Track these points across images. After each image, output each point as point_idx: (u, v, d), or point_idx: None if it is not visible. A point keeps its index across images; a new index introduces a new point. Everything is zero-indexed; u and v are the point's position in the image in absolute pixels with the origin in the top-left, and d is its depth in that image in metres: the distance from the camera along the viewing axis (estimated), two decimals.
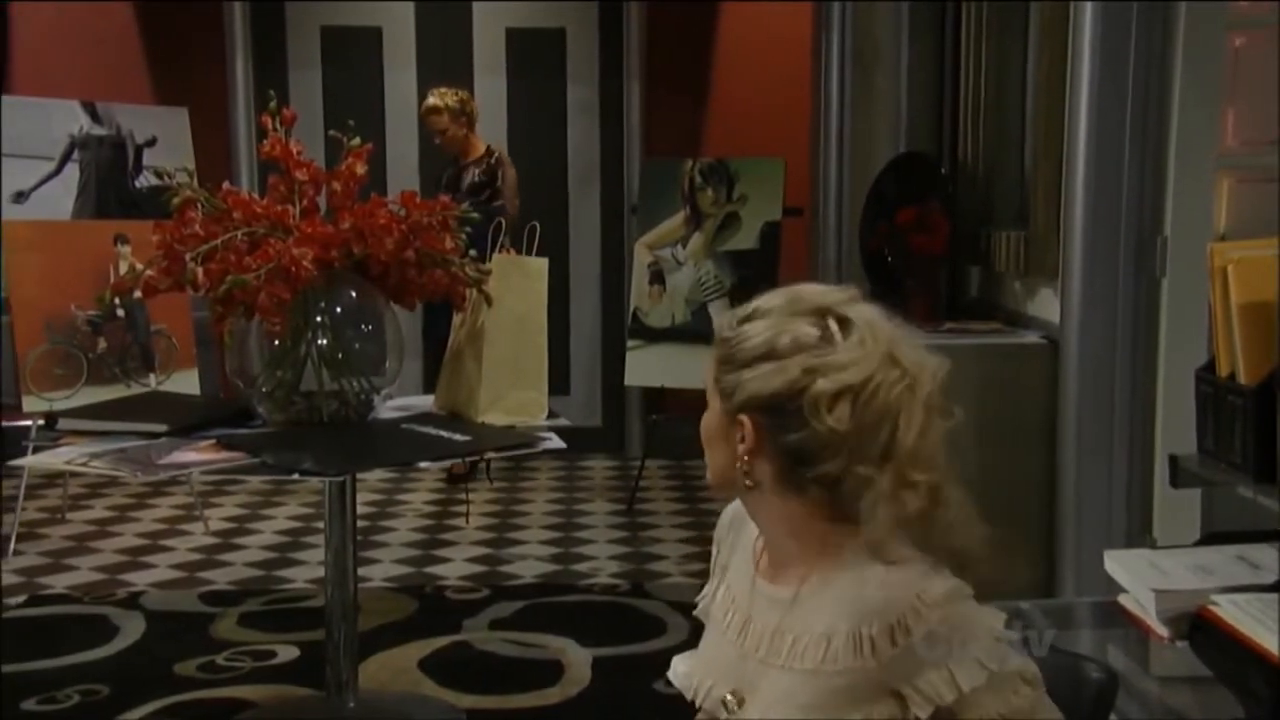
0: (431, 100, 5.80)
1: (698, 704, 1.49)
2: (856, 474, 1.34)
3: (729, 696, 1.43)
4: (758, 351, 1.37)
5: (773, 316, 1.39)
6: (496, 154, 5.83)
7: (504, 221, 5.46)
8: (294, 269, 2.80)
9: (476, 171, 5.78)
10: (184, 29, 6.37)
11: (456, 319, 3.30)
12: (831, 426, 1.32)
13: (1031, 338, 3.59)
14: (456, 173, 5.84)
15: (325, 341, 2.99)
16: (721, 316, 1.45)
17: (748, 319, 1.41)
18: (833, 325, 1.36)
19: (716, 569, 1.56)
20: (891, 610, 1.30)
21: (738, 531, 1.53)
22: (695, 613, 1.58)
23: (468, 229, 3.12)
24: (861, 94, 4.91)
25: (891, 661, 1.30)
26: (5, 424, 4.98)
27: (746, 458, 1.38)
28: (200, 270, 2.83)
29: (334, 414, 2.99)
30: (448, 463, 5.78)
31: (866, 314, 1.38)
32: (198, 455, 2.83)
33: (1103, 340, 3.16)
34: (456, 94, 5.81)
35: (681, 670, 1.54)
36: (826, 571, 1.37)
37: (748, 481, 1.40)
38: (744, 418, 1.38)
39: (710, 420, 1.44)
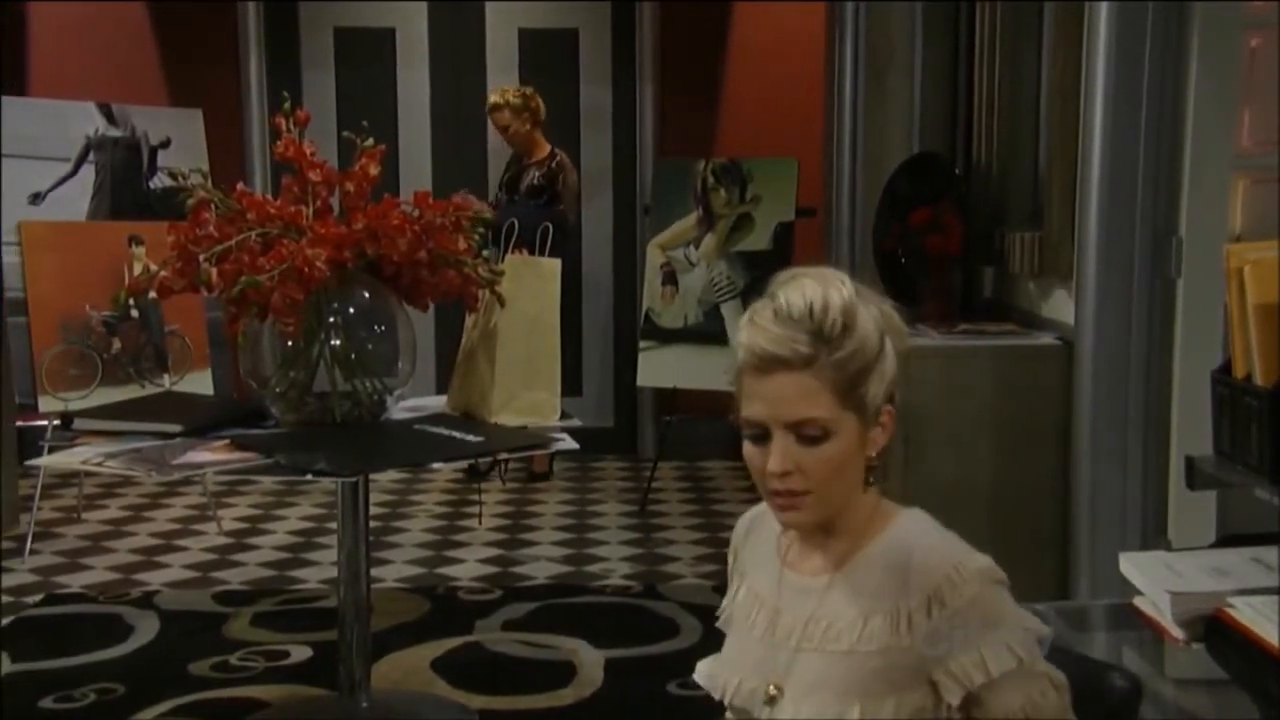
0: (493, 98, 5.80)
1: (726, 701, 1.49)
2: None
3: (771, 689, 1.42)
4: (876, 342, 1.38)
5: (860, 314, 1.37)
6: (559, 158, 5.81)
7: (550, 225, 5.50)
8: (307, 269, 2.80)
9: (537, 174, 5.77)
10: (198, 31, 6.39)
11: (469, 320, 3.30)
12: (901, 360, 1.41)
13: (1046, 339, 3.57)
14: (517, 173, 5.84)
15: (338, 342, 2.99)
16: (803, 345, 1.35)
17: (850, 327, 1.36)
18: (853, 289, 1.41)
19: (734, 575, 1.57)
20: (929, 582, 1.34)
21: (755, 534, 1.54)
22: (718, 624, 1.58)
23: (480, 230, 3.12)
24: (875, 94, 4.89)
25: (928, 636, 1.33)
26: (22, 424, 5.01)
27: (882, 447, 1.41)
28: (214, 271, 2.84)
29: (347, 415, 2.99)
30: (462, 463, 5.80)
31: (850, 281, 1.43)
32: (211, 455, 2.84)
33: (1117, 341, 3.14)
34: (520, 90, 5.80)
35: (705, 672, 1.55)
36: (867, 550, 1.41)
37: (871, 479, 1.41)
38: (888, 406, 1.40)
39: (842, 446, 1.37)
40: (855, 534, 1.42)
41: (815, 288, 1.37)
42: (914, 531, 1.40)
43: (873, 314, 1.39)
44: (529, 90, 5.83)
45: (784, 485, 1.37)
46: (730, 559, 1.59)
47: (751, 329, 1.37)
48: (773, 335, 1.35)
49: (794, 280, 1.38)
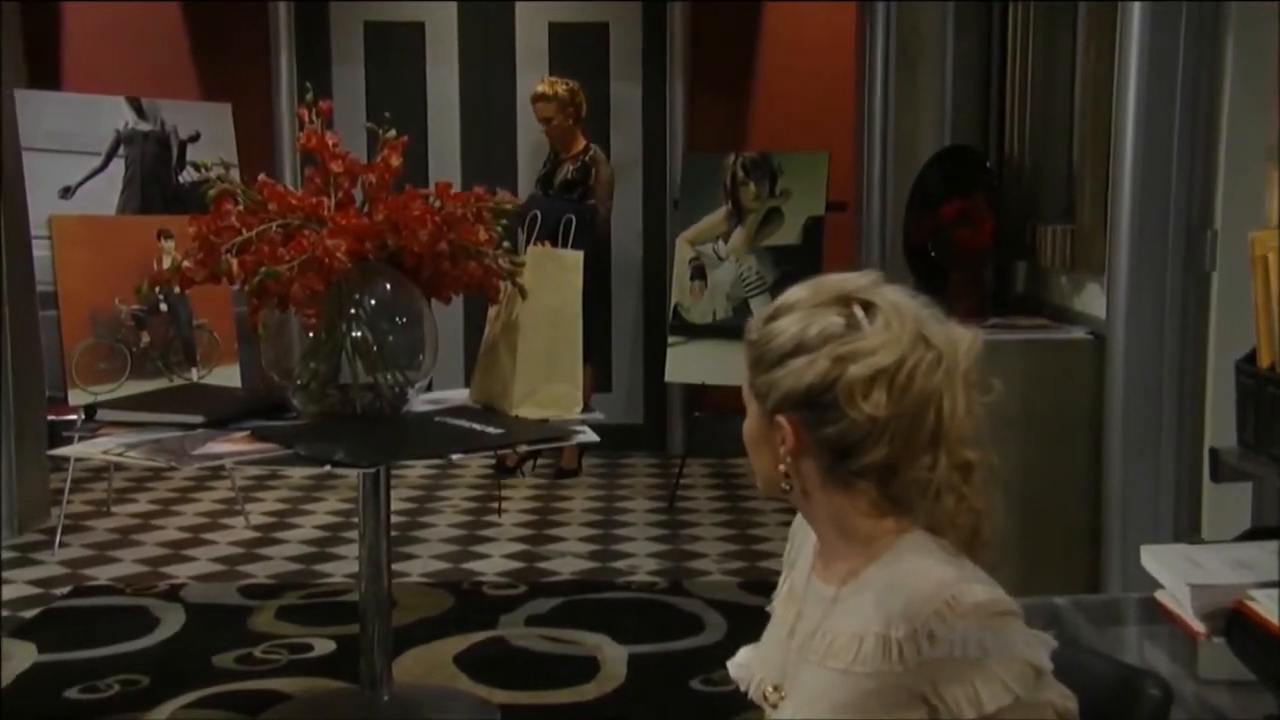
0: (541, 87, 5.76)
1: (749, 694, 1.49)
2: (912, 462, 1.33)
3: (770, 689, 1.43)
4: (786, 348, 1.36)
5: (797, 311, 1.37)
6: (592, 152, 5.79)
7: (572, 218, 5.46)
8: (327, 260, 2.80)
9: (570, 169, 5.75)
10: (229, 26, 6.41)
11: (491, 312, 3.29)
12: (869, 414, 1.31)
13: (1078, 333, 3.53)
14: (551, 168, 5.82)
15: (359, 334, 2.98)
16: (749, 319, 1.43)
17: (773, 317, 1.39)
18: (858, 311, 1.35)
19: (787, 564, 1.56)
20: (919, 614, 1.28)
21: (808, 528, 1.51)
22: (768, 608, 1.56)
23: (504, 221, 3.10)
24: (906, 88, 4.84)
25: (918, 667, 1.28)
26: (52, 417, 5.04)
27: (790, 458, 1.37)
28: (235, 262, 2.84)
29: (368, 406, 2.99)
30: (490, 458, 5.78)
31: (891, 296, 1.37)
32: (232, 446, 2.85)
33: (1150, 336, 3.09)
34: (566, 84, 5.77)
35: (740, 660, 1.53)
36: (869, 570, 1.36)
37: (785, 485, 1.39)
38: (781, 418, 1.36)
39: (751, 425, 1.42)
40: (856, 552, 1.38)
41: (815, 280, 1.40)
42: (912, 558, 1.34)
43: (811, 325, 1.35)
44: (575, 85, 5.79)
45: None
46: (788, 547, 1.57)
47: None
48: None
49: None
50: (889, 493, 1.36)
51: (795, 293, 1.40)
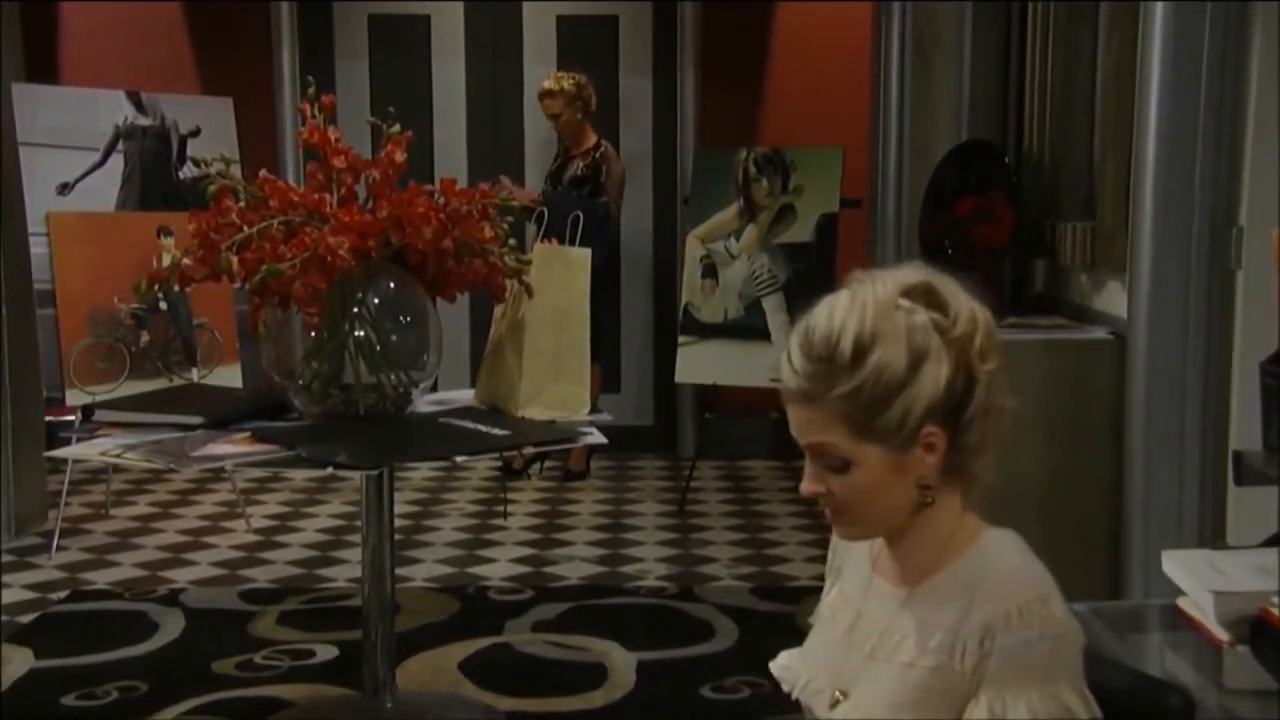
0: (547, 83, 5.70)
1: (794, 696, 1.50)
2: (994, 413, 1.35)
3: (836, 693, 1.42)
4: (904, 365, 1.31)
5: (885, 337, 1.31)
6: (603, 148, 5.73)
7: (579, 215, 5.43)
8: (330, 258, 2.74)
9: (581, 165, 5.69)
10: (230, 20, 6.36)
11: (497, 311, 3.25)
12: (991, 370, 1.34)
13: (1098, 333, 3.48)
14: (561, 164, 5.76)
15: (362, 333, 2.92)
16: (807, 379, 1.33)
17: (860, 359, 1.30)
18: (919, 301, 1.34)
19: (831, 571, 1.56)
20: (988, 615, 1.30)
21: None
22: (810, 619, 1.55)
23: (509, 218, 3.04)
24: (922, 82, 4.78)
25: (975, 668, 1.29)
26: (50, 418, 4.98)
27: (933, 470, 1.35)
28: (236, 259, 2.79)
29: (371, 407, 2.93)
30: (497, 460, 5.72)
31: (925, 276, 1.37)
32: (232, 448, 2.82)
33: (1173, 335, 3.04)
34: (573, 78, 5.70)
35: (783, 663, 1.53)
36: (951, 566, 1.37)
37: (927, 499, 1.36)
38: (929, 429, 1.32)
39: (870, 473, 1.34)
40: (937, 549, 1.38)
41: (843, 310, 1.33)
42: (993, 559, 1.35)
43: (911, 330, 1.31)
44: (583, 79, 5.72)
45: (819, 505, 1.39)
46: (830, 555, 1.57)
47: (787, 350, 1.37)
48: (789, 367, 1.35)
49: (833, 297, 1.36)
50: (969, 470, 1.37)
51: (853, 326, 1.31)
